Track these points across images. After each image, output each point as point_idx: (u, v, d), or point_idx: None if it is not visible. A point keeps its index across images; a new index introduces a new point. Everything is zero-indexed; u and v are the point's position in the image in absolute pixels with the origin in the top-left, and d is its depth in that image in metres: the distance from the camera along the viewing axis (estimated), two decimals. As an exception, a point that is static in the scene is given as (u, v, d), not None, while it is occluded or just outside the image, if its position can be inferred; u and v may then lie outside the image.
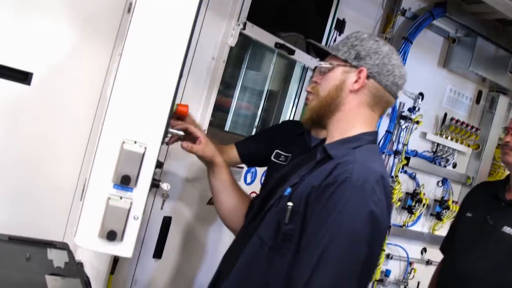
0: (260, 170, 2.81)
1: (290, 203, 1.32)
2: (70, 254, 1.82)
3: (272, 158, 2.16)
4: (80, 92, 1.98)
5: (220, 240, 2.65)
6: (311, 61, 2.88)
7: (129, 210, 1.39)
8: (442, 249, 2.49)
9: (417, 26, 3.12)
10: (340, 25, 2.97)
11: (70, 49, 1.93)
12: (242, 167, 2.76)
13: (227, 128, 2.96)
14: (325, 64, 1.50)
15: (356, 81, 1.43)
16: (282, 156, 2.14)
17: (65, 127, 1.99)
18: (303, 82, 2.98)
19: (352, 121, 1.45)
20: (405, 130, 3.43)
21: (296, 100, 3.00)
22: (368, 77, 1.42)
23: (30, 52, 1.87)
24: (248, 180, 2.83)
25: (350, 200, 1.23)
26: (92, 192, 1.38)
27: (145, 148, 1.38)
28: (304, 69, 2.98)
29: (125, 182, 1.37)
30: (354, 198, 1.24)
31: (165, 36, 1.38)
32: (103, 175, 1.38)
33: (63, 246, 1.85)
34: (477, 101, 3.85)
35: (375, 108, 1.46)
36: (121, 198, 1.38)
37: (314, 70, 2.15)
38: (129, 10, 1.59)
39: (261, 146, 2.20)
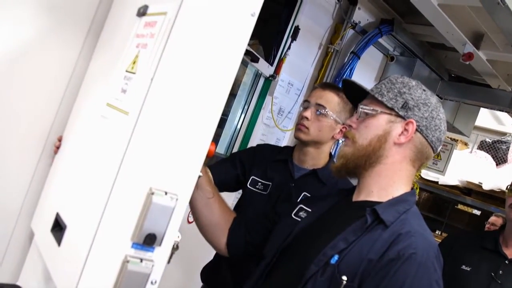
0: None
1: (344, 277, 1.15)
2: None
3: (248, 186, 1.95)
4: (38, 91, 1.58)
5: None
6: (268, 69, 2.71)
7: (149, 275, 1.11)
8: None
9: (366, 42, 3.08)
10: (295, 32, 2.82)
11: (30, 40, 1.52)
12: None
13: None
14: (368, 109, 1.34)
15: (402, 134, 1.30)
16: (260, 184, 1.94)
17: (14, 133, 1.57)
18: (255, 88, 2.79)
19: (394, 177, 1.31)
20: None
21: (246, 107, 2.80)
22: (415, 130, 1.30)
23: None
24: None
25: (415, 281, 1.11)
26: (101, 250, 1.08)
27: (177, 200, 1.11)
28: (257, 75, 2.79)
29: (149, 242, 1.09)
30: (418, 279, 1.11)
31: (213, 66, 1.12)
32: (120, 231, 1.09)
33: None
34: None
35: (415, 164, 1.34)
36: (141, 260, 1.10)
37: (303, 104, 1.95)
38: (142, 14, 1.27)
39: (238, 172, 1.98)
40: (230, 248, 1.56)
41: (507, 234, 2.19)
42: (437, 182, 5.70)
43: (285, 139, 3.10)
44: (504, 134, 6.93)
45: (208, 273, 2.03)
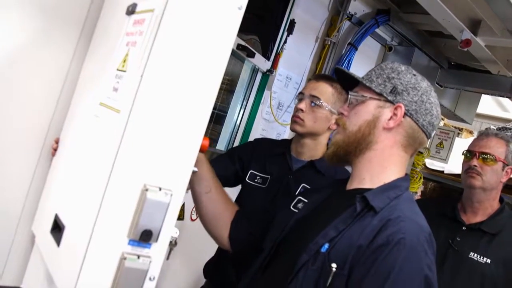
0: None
1: (334, 265, 1.15)
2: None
3: (247, 180, 1.96)
4: (33, 94, 1.59)
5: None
6: (265, 64, 2.71)
7: (147, 271, 1.12)
8: None
9: (362, 32, 3.07)
10: (291, 26, 2.82)
11: (23, 44, 1.53)
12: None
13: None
14: (356, 95, 1.34)
15: (391, 118, 1.30)
16: (259, 178, 1.95)
17: (11, 137, 1.58)
18: (253, 84, 2.79)
19: (384, 162, 1.31)
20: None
21: (245, 102, 2.80)
22: (404, 114, 1.29)
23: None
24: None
25: (405, 266, 1.10)
26: (98, 249, 1.09)
27: (171, 195, 1.12)
28: (255, 70, 2.79)
29: (145, 238, 1.10)
30: (408, 263, 1.11)
31: (202, 61, 1.13)
32: (116, 228, 1.10)
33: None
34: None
35: (408, 149, 1.34)
36: (138, 257, 1.11)
37: (298, 96, 1.96)
38: (131, 12, 1.28)
39: (237, 167, 1.99)
40: (233, 242, 1.57)
41: (464, 200, 2.22)
42: (442, 172, 5.66)
43: (285, 133, 3.09)
44: (508, 120, 6.87)
45: (211, 269, 2.04)
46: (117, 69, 1.23)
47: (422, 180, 3.97)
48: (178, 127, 1.11)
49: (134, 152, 1.08)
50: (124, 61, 1.21)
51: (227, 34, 1.14)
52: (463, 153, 2.27)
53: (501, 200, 2.21)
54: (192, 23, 1.10)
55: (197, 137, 1.14)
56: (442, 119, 5.64)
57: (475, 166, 2.14)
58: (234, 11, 1.13)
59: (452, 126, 6.24)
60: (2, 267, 1.63)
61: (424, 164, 6.08)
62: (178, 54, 1.09)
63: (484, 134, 2.23)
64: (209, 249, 2.04)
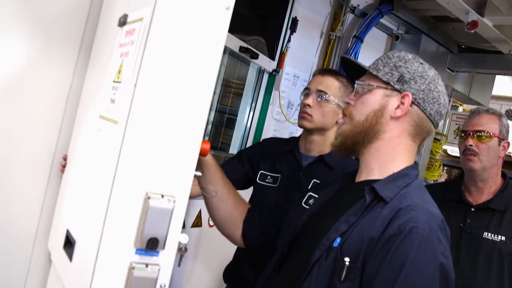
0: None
1: (347, 259, 1.13)
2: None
3: (258, 181, 1.96)
4: (39, 113, 1.62)
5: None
6: (270, 64, 2.70)
7: (156, 279, 1.12)
8: None
9: (367, 24, 3.05)
10: (293, 24, 2.81)
11: (25, 65, 1.56)
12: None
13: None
14: (363, 84, 1.32)
15: (398, 107, 1.28)
16: (269, 177, 1.94)
17: (21, 157, 1.61)
18: (260, 85, 2.79)
19: (393, 152, 1.29)
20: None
21: (253, 104, 2.79)
22: (412, 103, 1.27)
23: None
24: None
25: (418, 255, 1.08)
26: (106, 260, 1.09)
27: (174, 201, 1.11)
28: (261, 71, 2.78)
29: (152, 246, 1.10)
30: (422, 252, 1.09)
31: (193, 64, 1.12)
32: (122, 239, 1.09)
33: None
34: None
35: (416, 138, 1.31)
36: (146, 265, 1.11)
37: (304, 91, 1.95)
38: (123, 24, 1.28)
39: (247, 169, 1.99)
40: (246, 239, 1.58)
41: (467, 182, 2.20)
42: (464, 158, 5.56)
43: (298, 132, 3.06)
44: (528, 100, 6.75)
45: (230, 273, 2.04)
46: (113, 81, 1.24)
47: (442, 167, 3.90)
48: (175, 133, 1.11)
49: (134, 161, 1.08)
50: (119, 72, 1.21)
51: (217, 36, 1.13)
52: (457, 134, 2.25)
53: (503, 175, 2.18)
54: (181, 28, 1.10)
55: (196, 142, 1.14)
56: (461, 104, 5.55)
57: (471, 146, 2.11)
58: (222, 12, 1.13)
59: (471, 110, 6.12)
60: (22, 287, 1.66)
61: (446, 151, 6.00)
62: (169, 60, 1.09)
63: (475, 112, 2.20)
64: (229, 253, 2.04)
